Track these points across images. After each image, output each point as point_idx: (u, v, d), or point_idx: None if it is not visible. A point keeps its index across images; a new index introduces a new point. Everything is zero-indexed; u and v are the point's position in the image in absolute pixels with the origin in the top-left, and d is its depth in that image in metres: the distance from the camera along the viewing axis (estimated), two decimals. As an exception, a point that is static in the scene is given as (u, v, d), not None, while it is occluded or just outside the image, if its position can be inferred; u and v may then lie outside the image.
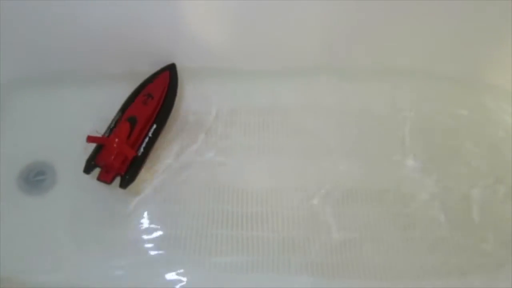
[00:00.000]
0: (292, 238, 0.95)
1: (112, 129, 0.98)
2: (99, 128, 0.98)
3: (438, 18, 1.00)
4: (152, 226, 0.96)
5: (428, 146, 1.06)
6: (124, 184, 0.94)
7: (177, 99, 1.07)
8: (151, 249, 0.94)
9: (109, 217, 0.97)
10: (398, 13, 1.00)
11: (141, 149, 0.97)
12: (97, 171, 0.95)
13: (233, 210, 0.97)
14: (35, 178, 1.02)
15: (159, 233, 0.96)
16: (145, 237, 0.95)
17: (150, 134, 0.99)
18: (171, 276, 0.91)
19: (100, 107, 1.04)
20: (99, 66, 1.06)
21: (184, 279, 0.91)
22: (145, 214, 0.98)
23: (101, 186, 0.95)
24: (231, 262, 0.93)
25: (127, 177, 0.94)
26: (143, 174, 0.99)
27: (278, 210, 0.98)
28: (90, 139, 0.93)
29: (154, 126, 1.00)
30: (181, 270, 0.91)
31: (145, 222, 0.97)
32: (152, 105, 1.00)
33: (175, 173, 1.02)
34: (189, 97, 1.11)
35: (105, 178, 0.93)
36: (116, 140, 0.93)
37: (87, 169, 0.94)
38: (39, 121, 1.05)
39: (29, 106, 1.06)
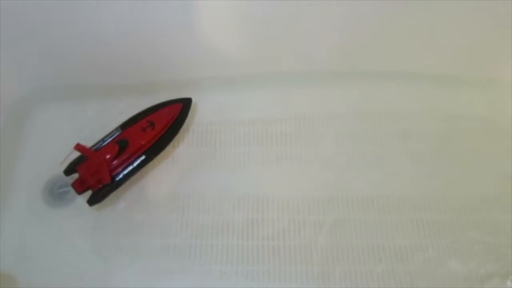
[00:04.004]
0: (313, 246, 0.95)
1: (106, 143, 0.96)
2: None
3: (457, 21, 0.99)
4: (173, 235, 0.97)
5: (451, 150, 1.05)
6: (91, 201, 0.93)
7: (192, 107, 1.05)
8: (172, 258, 0.95)
9: (131, 226, 0.98)
10: (417, 16, 0.98)
11: (120, 175, 0.94)
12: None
13: (252, 219, 0.98)
14: (59, 190, 1.05)
15: (179, 241, 0.96)
16: (165, 246, 0.96)
17: (135, 164, 0.95)
18: (190, 284, 0.93)
19: (121, 118, 1.03)
20: (118, 78, 1.09)
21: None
22: (166, 223, 0.98)
23: (122, 196, 1.00)
24: (251, 271, 0.93)
25: (96, 196, 0.93)
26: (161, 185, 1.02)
27: (300, 218, 0.98)
28: (78, 147, 0.93)
29: (143, 157, 0.96)
30: (200, 279, 0.93)
31: (166, 231, 0.97)
32: (149, 135, 0.96)
33: (192, 182, 1.02)
34: (203, 106, 1.10)
35: (78, 187, 0.93)
36: (101, 158, 0.92)
37: (67, 172, 0.95)
38: (62, 133, 1.08)
39: (51, 118, 1.11)
